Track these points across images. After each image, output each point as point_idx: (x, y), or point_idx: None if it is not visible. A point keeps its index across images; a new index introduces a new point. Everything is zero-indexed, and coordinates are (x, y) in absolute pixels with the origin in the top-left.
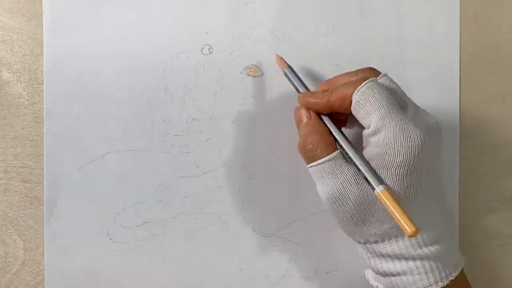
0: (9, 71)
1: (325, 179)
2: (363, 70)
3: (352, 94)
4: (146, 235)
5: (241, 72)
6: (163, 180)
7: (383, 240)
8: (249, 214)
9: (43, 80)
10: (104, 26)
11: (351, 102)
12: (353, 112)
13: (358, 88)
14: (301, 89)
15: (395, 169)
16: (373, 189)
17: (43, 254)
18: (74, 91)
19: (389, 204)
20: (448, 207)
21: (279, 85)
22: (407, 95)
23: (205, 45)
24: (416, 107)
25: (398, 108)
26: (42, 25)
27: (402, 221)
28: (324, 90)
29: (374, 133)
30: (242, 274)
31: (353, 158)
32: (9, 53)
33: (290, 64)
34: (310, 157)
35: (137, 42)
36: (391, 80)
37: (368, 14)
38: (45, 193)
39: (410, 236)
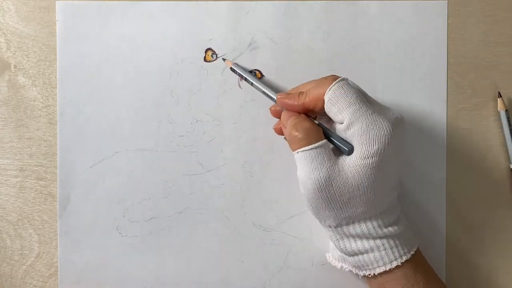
0: (25, 75)
1: (314, 164)
2: (327, 77)
3: (324, 94)
4: (153, 229)
5: None
6: (169, 178)
7: (353, 222)
8: (249, 209)
9: (56, 84)
10: (113, 33)
11: (324, 101)
12: (326, 111)
13: (330, 87)
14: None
15: (371, 157)
16: None
17: (57, 247)
18: (86, 94)
19: None
20: (435, 209)
21: (278, 89)
22: (399, 98)
23: (208, 51)
24: (379, 104)
25: (367, 103)
26: (56, 32)
27: None
28: (300, 93)
29: (348, 127)
30: (243, 266)
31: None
32: (25, 59)
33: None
34: (299, 142)
35: (144, 48)
36: (353, 83)
37: (361, 22)
38: (59, 190)
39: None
